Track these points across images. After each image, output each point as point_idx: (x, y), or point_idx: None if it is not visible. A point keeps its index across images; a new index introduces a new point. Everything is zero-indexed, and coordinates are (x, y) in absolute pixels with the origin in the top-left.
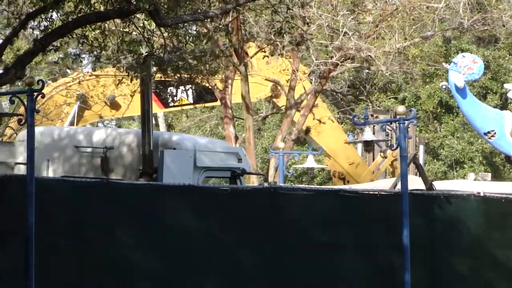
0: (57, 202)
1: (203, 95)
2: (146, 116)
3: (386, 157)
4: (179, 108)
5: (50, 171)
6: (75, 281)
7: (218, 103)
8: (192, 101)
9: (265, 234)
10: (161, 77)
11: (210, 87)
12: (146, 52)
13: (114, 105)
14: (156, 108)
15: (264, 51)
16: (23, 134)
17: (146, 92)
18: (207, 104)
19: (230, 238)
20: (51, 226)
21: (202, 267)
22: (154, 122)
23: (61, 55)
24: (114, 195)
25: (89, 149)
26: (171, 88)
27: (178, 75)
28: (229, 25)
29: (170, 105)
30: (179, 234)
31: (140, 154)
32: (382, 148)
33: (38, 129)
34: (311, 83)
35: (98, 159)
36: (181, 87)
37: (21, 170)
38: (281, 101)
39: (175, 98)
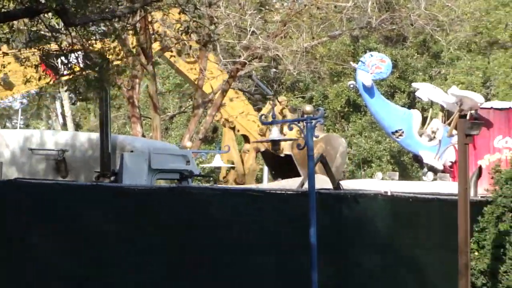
0: None
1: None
2: (104, 120)
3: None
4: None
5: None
6: None
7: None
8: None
9: (175, 232)
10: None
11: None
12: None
13: (8, 84)
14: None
15: (172, 51)
16: None
17: (105, 97)
18: None
19: (142, 236)
20: None
21: (114, 265)
22: (62, 121)
23: None
24: (25, 195)
25: (44, 152)
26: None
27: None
28: (137, 24)
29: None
30: (91, 233)
31: (96, 156)
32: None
33: None
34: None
35: (53, 162)
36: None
37: None
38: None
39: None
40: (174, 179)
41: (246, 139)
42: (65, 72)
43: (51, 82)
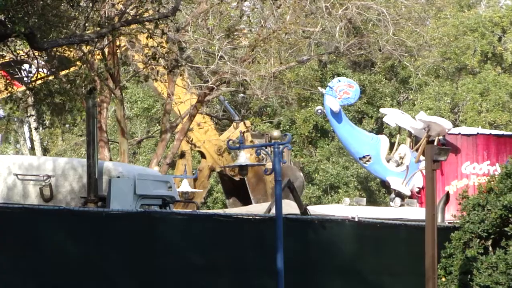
0: None
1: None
2: (91, 146)
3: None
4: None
5: None
6: None
7: None
8: None
9: (141, 257)
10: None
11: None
12: (90, 86)
13: None
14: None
15: (139, 76)
16: None
17: (92, 125)
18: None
19: (106, 261)
20: None
21: None
22: (29, 145)
23: None
24: None
25: (29, 177)
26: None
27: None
28: (105, 48)
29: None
30: (55, 257)
31: (82, 182)
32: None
33: None
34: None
35: (38, 187)
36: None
37: None
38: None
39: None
40: (156, 205)
41: (203, 155)
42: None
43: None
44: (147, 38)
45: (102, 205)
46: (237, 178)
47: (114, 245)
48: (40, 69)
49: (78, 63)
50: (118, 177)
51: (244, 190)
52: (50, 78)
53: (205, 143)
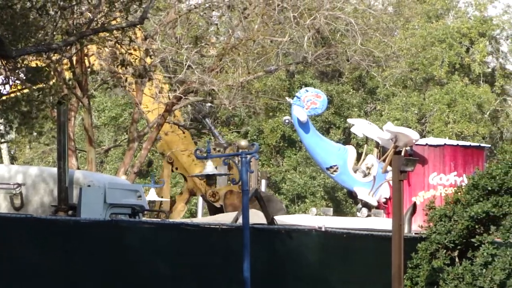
0: None
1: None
2: (62, 155)
3: None
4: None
5: None
6: None
7: None
8: None
9: (109, 265)
10: None
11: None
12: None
13: None
14: None
15: (107, 83)
16: None
17: (63, 134)
18: None
19: (74, 269)
20: None
21: None
22: None
23: None
24: None
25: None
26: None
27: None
28: (73, 57)
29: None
30: (22, 266)
31: (52, 190)
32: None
33: None
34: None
35: (9, 196)
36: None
37: None
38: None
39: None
40: (126, 214)
41: (185, 178)
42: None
43: None
44: (114, 43)
45: (72, 213)
46: (217, 205)
47: (82, 253)
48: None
49: (46, 69)
50: (89, 186)
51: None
52: (19, 87)
53: (185, 162)
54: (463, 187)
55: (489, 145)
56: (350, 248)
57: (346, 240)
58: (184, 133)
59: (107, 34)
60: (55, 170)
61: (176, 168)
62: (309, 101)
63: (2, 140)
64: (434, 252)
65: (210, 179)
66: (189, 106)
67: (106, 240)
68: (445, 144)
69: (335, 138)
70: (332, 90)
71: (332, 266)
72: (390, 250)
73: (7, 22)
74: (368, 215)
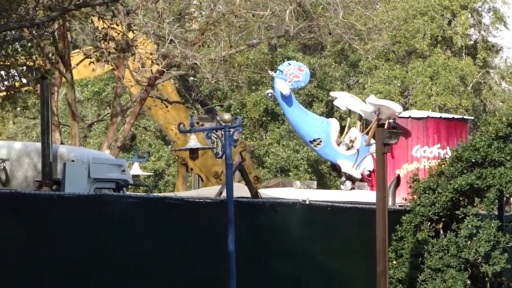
0: None
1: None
2: (46, 130)
3: None
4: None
5: None
6: None
7: None
8: None
9: (92, 240)
10: None
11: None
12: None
13: None
14: None
15: (90, 58)
16: None
17: (46, 109)
18: None
19: (56, 244)
20: None
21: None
22: None
23: None
24: None
25: None
26: None
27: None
28: (55, 32)
29: None
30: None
31: (36, 165)
32: None
33: None
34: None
35: None
36: None
37: None
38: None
39: None
40: (110, 188)
41: (201, 178)
42: None
43: None
44: (98, 19)
45: (57, 188)
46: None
47: (65, 228)
48: None
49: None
50: (73, 161)
51: None
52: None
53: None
54: (446, 160)
55: (472, 118)
56: (335, 221)
57: (330, 213)
58: (167, 107)
59: (90, 9)
60: (39, 145)
61: (191, 169)
62: (292, 74)
63: None
64: (419, 224)
65: (193, 153)
66: (171, 80)
67: (90, 214)
68: (428, 116)
69: (318, 111)
70: (315, 63)
71: (316, 239)
72: (374, 223)
73: None
74: (352, 188)
